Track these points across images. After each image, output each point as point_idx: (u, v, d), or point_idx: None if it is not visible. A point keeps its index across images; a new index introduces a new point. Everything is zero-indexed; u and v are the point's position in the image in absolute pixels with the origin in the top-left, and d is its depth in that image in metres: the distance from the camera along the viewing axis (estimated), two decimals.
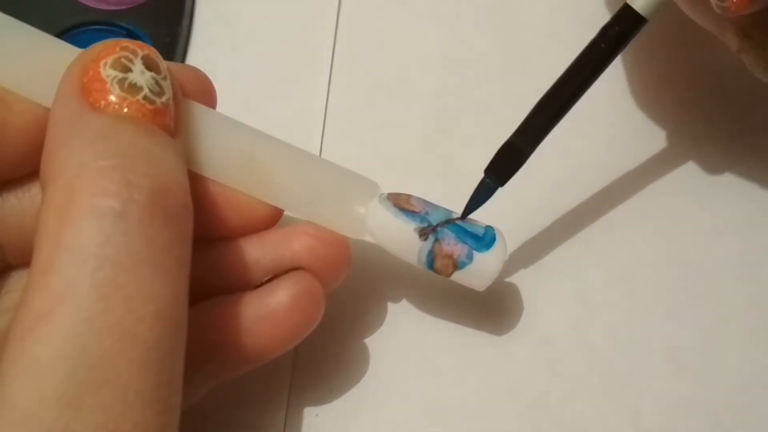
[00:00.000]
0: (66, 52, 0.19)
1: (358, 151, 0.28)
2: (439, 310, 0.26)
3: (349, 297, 0.25)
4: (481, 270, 0.22)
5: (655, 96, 0.29)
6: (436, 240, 0.22)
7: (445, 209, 0.23)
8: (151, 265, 0.16)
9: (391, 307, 0.26)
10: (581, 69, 0.22)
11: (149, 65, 0.18)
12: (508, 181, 0.23)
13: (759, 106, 0.29)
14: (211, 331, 0.20)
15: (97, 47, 0.18)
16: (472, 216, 0.23)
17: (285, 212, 0.22)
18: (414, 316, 0.26)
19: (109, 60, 0.18)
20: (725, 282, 0.26)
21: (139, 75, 0.18)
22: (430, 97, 0.29)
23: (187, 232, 0.18)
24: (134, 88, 0.18)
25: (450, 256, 0.22)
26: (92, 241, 0.16)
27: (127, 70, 0.18)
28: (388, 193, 0.22)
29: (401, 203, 0.22)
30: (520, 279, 0.26)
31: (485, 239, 0.22)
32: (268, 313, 0.21)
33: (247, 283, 0.21)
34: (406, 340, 0.25)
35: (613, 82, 0.29)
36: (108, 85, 0.18)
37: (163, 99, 0.18)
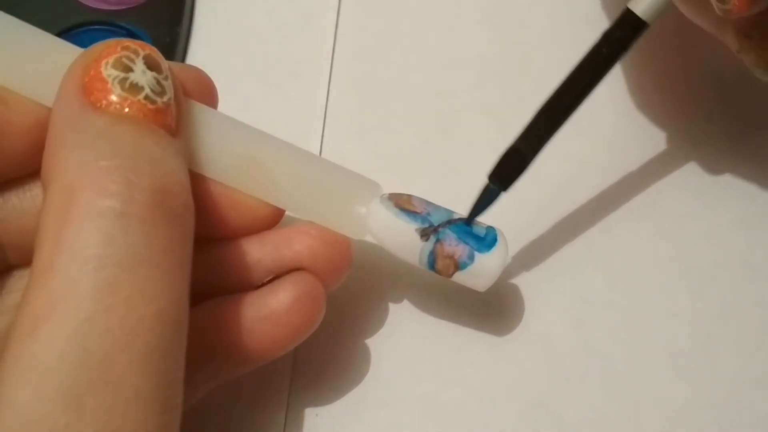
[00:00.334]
0: (67, 52, 0.19)
1: (358, 151, 0.28)
2: (440, 310, 0.26)
3: (349, 297, 0.25)
4: (482, 271, 0.22)
5: (655, 96, 0.29)
6: (438, 240, 0.22)
7: (446, 209, 0.23)
8: (152, 265, 0.16)
9: (391, 307, 0.26)
10: (583, 74, 0.22)
11: (151, 65, 0.18)
12: (512, 186, 0.23)
13: (759, 106, 0.29)
14: (212, 332, 0.20)
15: (98, 47, 0.18)
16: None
17: (286, 212, 0.22)
18: (415, 317, 0.26)
19: (111, 60, 0.18)
20: (726, 282, 0.26)
21: (141, 75, 0.18)
22: (430, 97, 0.29)
23: (189, 232, 0.18)
24: (135, 88, 0.18)
25: (451, 257, 0.22)
26: (93, 241, 0.16)
27: (129, 69, 0.18)
28: (389, 194, 0.22)
29: (402, 203, 0.22)
30: (520, 279, 0.26)
31: (486, 240, 0.22)
32: (269, 314, 0.21)
33: (248, 284, 0.21)
34: (406, 340, 0.25)
35: (612, 83, 0.29)
36: (109, 85, 0.18)
37: (165, 99, 0.18)
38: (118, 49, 0.18)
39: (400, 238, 0.22)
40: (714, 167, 0.28)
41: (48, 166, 0.17)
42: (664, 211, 0.27)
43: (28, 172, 0.20)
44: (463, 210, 0.23)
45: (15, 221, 0.20)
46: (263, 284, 0.21)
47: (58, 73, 0.18)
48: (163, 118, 0.18)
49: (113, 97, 0.18)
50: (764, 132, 0.29)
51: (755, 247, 0.27)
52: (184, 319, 0.17)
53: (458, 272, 0.22)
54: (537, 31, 0.31)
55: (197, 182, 0.20)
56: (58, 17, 0.29)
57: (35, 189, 0.20)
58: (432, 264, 0.22)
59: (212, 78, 0.22)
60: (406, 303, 0.26)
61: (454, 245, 0.22)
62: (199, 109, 0.20)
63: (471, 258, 0.22)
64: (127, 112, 0.18)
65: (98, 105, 0.17)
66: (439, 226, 0.22)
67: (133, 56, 0.18)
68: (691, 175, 0.28)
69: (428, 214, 0.22)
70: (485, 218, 0.23)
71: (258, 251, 0.21)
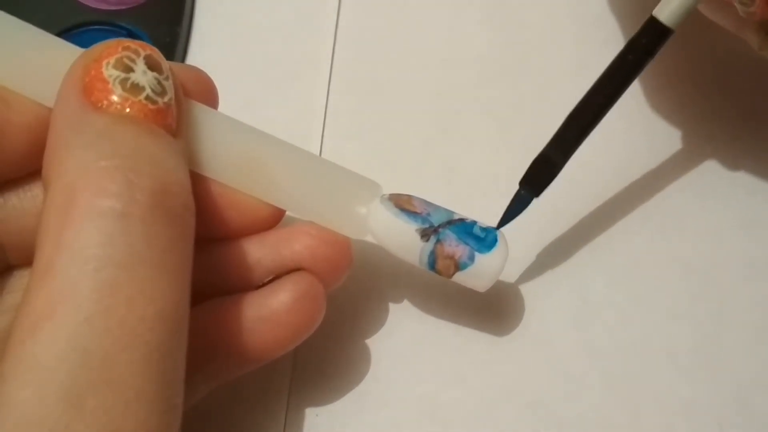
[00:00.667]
0: (68, 52, 0.19)
1: (357, 151, 0.28)
2: (440, 310, 0.26)
3: (350, 297, 0.25)
4: (482, 271, 0.22)
5: (656, 97, 0.29)
6: (438, 241, 0.22)
7: (446, 210, 0.23)
8: (153, 265, 0.16)
9: (392, 307, 0.26)
10: (610, 81, 0.23)
11: (151, 65, 0.18)
12: (543, 192, 0.23)
13: (761, 105, 0.29)
14: (213, 332, 0.20)
15: (99, 47, 0.18)
16: (473, 217, 0.23)
17: (286, 212, 0.22)
18: (415, 317, 0.26)
19: (112, 60, 0.18)
20: (726, 281, 0.26)
21: (142, 75, 0.18)
22: (430, 97, 0.29)
23: (189, 232, 0.18)
24: (136, 88, 0.18)
25: (451, 257, 0.22)
26: (94, 241, 0.16)
27: (130, 70, 0.18)
28: (390, 194, 0.22)
29: (403, 204, 0.22)
30: (520, 279, 0.26)
31: (487, 240, 0.22)
32: (270, 314, 0.21)
33: (248, 284, 0.21)
34: (406, 341, 0.25)
35: None
36: (110, 85, 0.18)
37: (165, 99, 0.18)
38: (119, 49, 0.18)
39: (401, 238, 0.22)
40: (714, 167, 0.28)
41: (48, 166, 0.17)
42: (665, 211, 0.27)
43: (28, 172, 0.20)
44: (464, 211, 0.23)
45: (15, 221, 0.20)
46: (263, 284, 0.21)
47: (59, 73, 0.18)
48: (163, 118, 0.18)
49: (114, 98, 0.18)
50: (765, 132, 0.29)
51: (755, 247, 0.27)
52: (185, 319, 0.17)
53: (458, 273, 0.22)
54: (537, 31, 0.31)
55: (198, 182, 0.20)
56: (58, 17, 0.29)
57: (35, 189, 0.20)
58: (432, 264, 0.22)
59: (212, 78, 0.22)
60: (406, 303, 0.26)
61: (454, 246, 0.22)
62: (200, 110, 0.20)
63: (471, 258, 0.22)
64: (128, 113, 0.18)
65: (99, 105, 0.17)
66: (439, 226, 0.22)
67: (133, 56, 0.18)
68: (691, 175, 0.28)
69: (428, 214, 0.22)
70: (485, 218, 0.23)
71: (258, 251, 0.21)
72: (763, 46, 0.23)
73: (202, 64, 0.23)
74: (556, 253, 0.27)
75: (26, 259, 0.20)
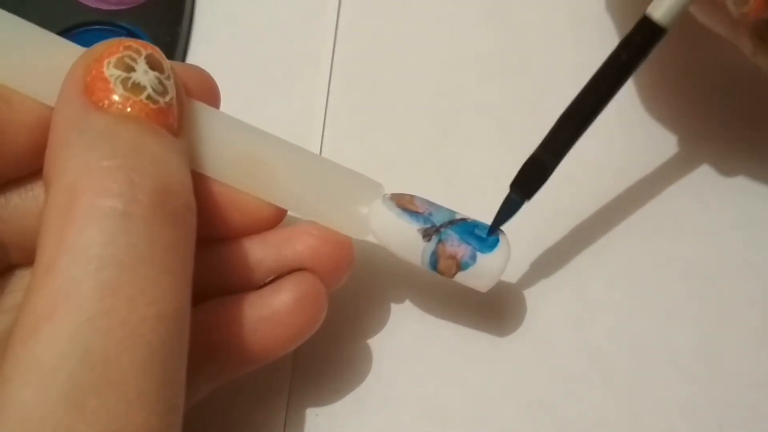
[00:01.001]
0: (69, 51, 0.19)
1: (358, 151, 0.28)
2: (441, 310, 0.26)
3: (351, 297, 0.25)
4: (484, 271, 0.22)
5: (656, 98, 0.29)
6: (440, 241, 0.22)
7: (448, 210, 0.23)
8: (154, 265, 0.16)
9: (393, 307, 0.26)
10: (603, 81, 0.22)
11: (153, 65, 0.18)
12: (534, 194, 0.23)
13: (760, 106, 0.29)
14: (214, 332, 0.20)
15: (100, 46, 0.18)
16: (474, 217, 0.23)
17: (288, 212, 0.22)
18: (416, 317, 0.26)
19: (113, 59, 0.18)
20: (726, 282, 0.26)
21: (143, 74, 0.18)
22: (430, 97, 0.29)
23: (191, 232, 0.18)
24: (137, 88, 0.18)
25: (453, 257, 0.22)
26: (95, 241, 0.16)
27: (131, 69, 0.18)
28: (392, 194, 0.22)
29: (404, 204, 0.22)
30: (521, 279, 0.26)
31: (489, 240, 0.22)
32: (271, 314, 0.21)
33: (250, 284, 0.21)
34: (407, 341, 0.25)
35: None
36: (111, 85, 0.18)
37: (167, 98, 0.18)
38: (120, 48, 0.18)
39: (402, 238, 0.22)
40: (714, 167, 0.28)
41: (50, 165, 0.17)
42: (664, 211, 0.27)
43: (30, 172, 0.20)
44: (465, 210, 0.23)
45: (17, 221, 0.20)
46: (265, 284, 0.21)
47: (61, 72, 0.18)
48: (165, 117, 0.18)
49: (115, 97, 0.17)
50: (765, 132, 0.29)
51: (755, 247, 0.27)
52: (186, 319, 0.17)
53: (460, 272, 0.22)
54: (537, 31, 0.31)
55: (199, 182, 0.20)
56: (58, 17, 0.29)
57: (37, 189, 0.20)
58: (434, 264, 0.22)
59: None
60: (407, 303, 0.26)
61: (456, 245, 0.22)
62: (201, 109, 0.20)
63: (473, 258, 0.22)
64: (130, 112, 0.18)
65: (100, 105, 0.17)
66: (441, 226, 0.22)
67: (135, 56, 0.18)
68: (691, 175, 0.28)
69: (430, 214, 0.22)
70: (486, 218, 0.23)
71: (260, 251, 0.21)
72: (757, 52, 0.23)
73: (202, 64, 0.23)
74: (557, 253, 0.27)
75: (28, 259, 0.20)
